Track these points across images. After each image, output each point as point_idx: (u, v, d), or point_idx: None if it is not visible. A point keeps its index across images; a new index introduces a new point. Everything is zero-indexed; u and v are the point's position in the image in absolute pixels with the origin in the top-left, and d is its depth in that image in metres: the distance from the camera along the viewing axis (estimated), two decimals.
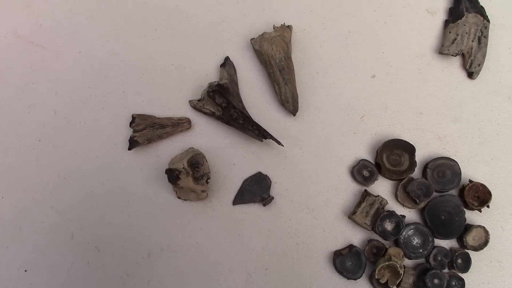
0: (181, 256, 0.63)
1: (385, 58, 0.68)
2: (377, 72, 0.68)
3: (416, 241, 0.61)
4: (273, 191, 0.64)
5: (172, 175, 0.59)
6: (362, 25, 0.70)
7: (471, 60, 0.67)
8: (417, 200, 0.61)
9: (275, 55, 0.65)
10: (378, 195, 0.62)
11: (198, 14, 0.71)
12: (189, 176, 0.60)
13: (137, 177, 0.65)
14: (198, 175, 0.62)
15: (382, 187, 0.64)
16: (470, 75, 0.67)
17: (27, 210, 0.65)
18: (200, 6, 0.71)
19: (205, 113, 0.66)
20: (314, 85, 0.68)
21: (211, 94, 0.63)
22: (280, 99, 0.66)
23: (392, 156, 0.63)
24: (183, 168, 0.60)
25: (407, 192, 0.62)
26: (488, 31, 0.67)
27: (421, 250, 0.61)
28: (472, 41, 0.67)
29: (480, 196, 0.62)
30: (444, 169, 0.63)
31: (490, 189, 0.61)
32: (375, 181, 0.64)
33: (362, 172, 0.64)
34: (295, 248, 0.63)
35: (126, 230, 0.64)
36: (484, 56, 0.67)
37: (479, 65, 0.67)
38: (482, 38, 0.67)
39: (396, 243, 0.62)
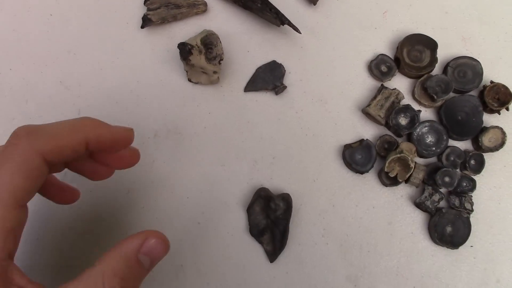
0: (187, 139, 0.62)
1: None
2: None
3: (429, 139, 0.60)
4: (287, 81, 0.62)
5: (184, 49, 0.57)
6: None
7: None
8: (435, 97, 0.59)
9: None
10: (395, 88, 0.60)
11: None
12: (202, 54, 0.58)
13: (148, 58, 0.64)
14: (211, 56, 0.60)
15: (400, 84, 0.62)
16: None
17: (34, 83, 0.64)
18: None
19: None
20: None
21: None
22: None
23: (413, 52, 0.61)
24: (196, 45, 0.58)
25: (425, 88, 0.60)
26: None
27: (434, 148, 0.59)
28: None
29: (500, 97, 0.59)
30: (465, 68, 0.60)
31: None
32: (393, 77, 0.61)
33: (380, 67, 0.61)
34: (305, 139, 0.61)
35: (134, 110, 0.63)
36: None
37: None
38: None
39: (409, 140, 0.60)
